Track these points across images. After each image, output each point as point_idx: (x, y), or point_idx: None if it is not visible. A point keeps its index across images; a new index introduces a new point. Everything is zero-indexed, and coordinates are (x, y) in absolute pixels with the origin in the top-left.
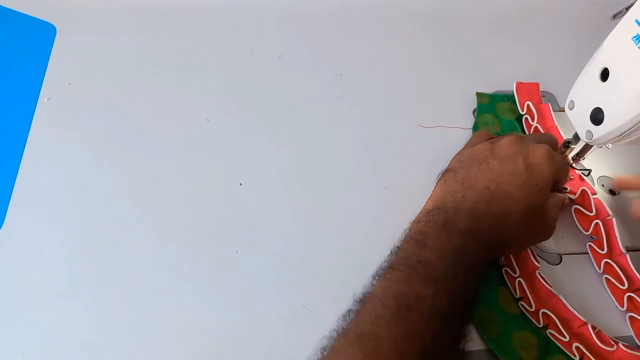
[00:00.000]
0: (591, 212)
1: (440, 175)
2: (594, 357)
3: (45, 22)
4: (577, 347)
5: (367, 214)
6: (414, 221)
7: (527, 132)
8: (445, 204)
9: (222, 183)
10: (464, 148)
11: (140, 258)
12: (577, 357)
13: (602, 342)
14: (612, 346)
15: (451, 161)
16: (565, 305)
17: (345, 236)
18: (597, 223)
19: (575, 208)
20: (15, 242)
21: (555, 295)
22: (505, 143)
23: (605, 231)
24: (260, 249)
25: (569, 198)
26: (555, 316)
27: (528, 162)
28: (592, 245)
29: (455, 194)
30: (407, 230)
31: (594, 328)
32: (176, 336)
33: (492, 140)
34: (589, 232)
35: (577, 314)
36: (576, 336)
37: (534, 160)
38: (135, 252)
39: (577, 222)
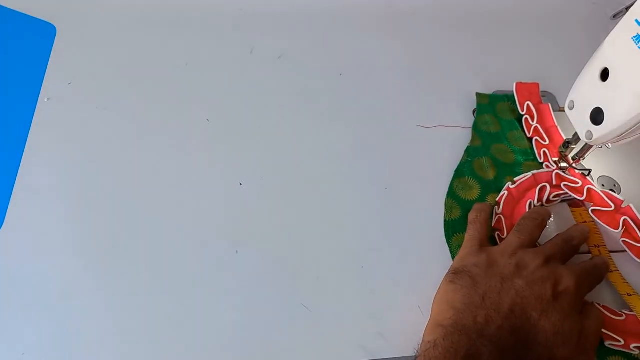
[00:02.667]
0: (609, 207)
1: (451, 275)
2: (612, 332)
3: (45, 22)
4: None
5: (367, 214)
6: (427, 340)
7: (527, 132)
8: (465, 323)
9: (222, 183)
10: (472, 246)
11: (140, 258)
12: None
13: (612, 314)
14: (621, 315)
15: (462, 259)
16: None
17: (345, 236)
18: (625, 220)
19: (594, 210)
20: (15, 242)
21: None
22: (533, 265)
23: (632, 221)
24: (260, 249)
25: (579, 201)
26: None
27: (557, 291)
28: (627, 240)
29: (477, 311)
30: (421, 354)
31: (600, 305)
32: (176, 336)
33: (514, 252)
34: (619, 230)
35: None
36: None
37: (562, 288)
38: (135, 252)
39: (603, 224)
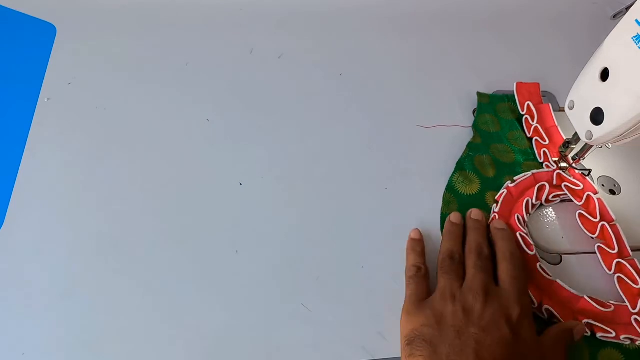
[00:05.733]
0: (595, 218)
1: (406, 347)
2: (603, 324)
3: (45, 22)
4: (586, 323)
5: (367, 214)
6: None
7: (527, 132)
8: None
9: (222, 183)
10: (412, 302)
11: (140, 258)
12: (589, 333)
13: (600, 306)
14: (610, 307)
15: (409, 322)
16: (563, 287)
17: (346, 236)
18: (603, 225)
19: (580, 213)
20: (15, 242)
21: (554, 281)
22: (479, 305)
23: (614, 233)
24: (260, 249)
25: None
26: (556, 299)
27: (512, 324)
28: (602, 246)
29: None
30: None
31: (590, 298)
32: (176, 336)
33: (453, 296)
34: (595, 235)
35: (574, 291)
36: (581, 313)
37: (515, 317)
38: (135, 252)
39: (582, 226)
